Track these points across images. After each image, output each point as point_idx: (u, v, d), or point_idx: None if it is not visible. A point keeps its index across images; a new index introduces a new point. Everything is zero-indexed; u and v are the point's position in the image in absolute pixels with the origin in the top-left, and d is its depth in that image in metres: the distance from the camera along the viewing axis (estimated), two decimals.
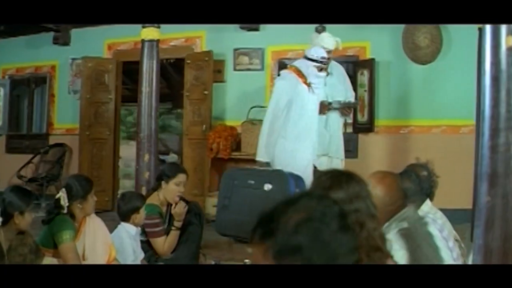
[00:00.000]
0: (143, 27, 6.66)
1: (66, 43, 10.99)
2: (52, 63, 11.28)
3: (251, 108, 9.73)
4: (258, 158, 6.92)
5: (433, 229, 3.51)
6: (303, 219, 1.73)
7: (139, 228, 5.39)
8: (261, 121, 9.66)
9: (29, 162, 10.96)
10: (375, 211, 2.68)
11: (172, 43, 10.28)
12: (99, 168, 10.08)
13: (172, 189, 5.72)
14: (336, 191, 2.65)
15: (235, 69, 10.21)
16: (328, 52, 7.22)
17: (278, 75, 7.97)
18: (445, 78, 9.04)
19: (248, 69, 10.16)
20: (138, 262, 5.24)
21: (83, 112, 10.23)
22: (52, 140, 11.17)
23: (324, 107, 7.20)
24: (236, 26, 9.97)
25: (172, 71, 14.69)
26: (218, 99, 10.09)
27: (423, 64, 9.02)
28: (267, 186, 6.50)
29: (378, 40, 9.43)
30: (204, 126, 9.69)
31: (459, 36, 9.13)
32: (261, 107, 9.88)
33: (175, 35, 10.06)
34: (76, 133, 10.66)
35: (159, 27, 6.68)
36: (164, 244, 5.58)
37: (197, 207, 6.00)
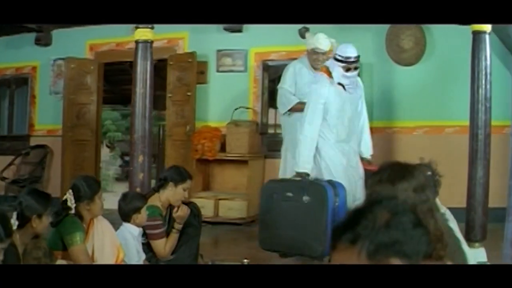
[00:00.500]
0: (137, 27, 6.61)
1: (47, 43, 10.92)
2: (33, 64, 11.20)
3: (235, 109, 9.75)
4: (301, 170, 6.58)
5: (451, 223, 3.59)
6: (391, 216, 1.84)
7: (141, 229, 5.36)
8: (245, 121, 9.73)
9: (11, 163, 10.88)
10: None
11: (154, 44, 10.19)
12: (82, 169, 10.02)
13: (179, 193, 5.71)
14: (408, 181, 2.75)
15: (218, 71, 10.20)
16: (323, 53, 7.25)
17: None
18: (429, 80, 9.10)
19: (231, 71, 10.15)
20: (141, 263, 5.21)
21: (66, 113, 10.18)
22: (33, 141, 11.10)
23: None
24: (219, 27, 9.97)
25: None
26: (200, 101, 10.07)
27: (407, 66, 9.08)
28: (306, 198, 6.43)
29: (361, 43, 9.42)
30: (187, 127, 9.68)
31: (443, 38, 9.23)
32: (245, 108, 9.91)
33: (157, 36, 9.87)
34: (57, 134, 10.59)
35: (152, 28, 6.63)
36: (164, 246, 5.55)
37: (196, 208, 5.98)
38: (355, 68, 6.62)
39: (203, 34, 9.92)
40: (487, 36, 6.45)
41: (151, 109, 6.39)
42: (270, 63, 10.17)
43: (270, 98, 10.59)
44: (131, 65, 13.45)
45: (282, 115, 7.62)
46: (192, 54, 9.79)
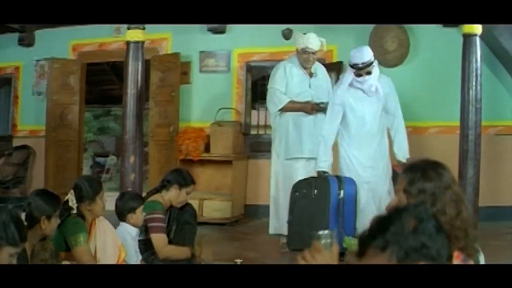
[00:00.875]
0: (128, 28, 6.65)
1: (30, 44, 10.88)
2: (16, 64, 11.14)
3: (219, 109, 9.79)
4: (318, 169, 6.77)
5: None
6: (417, 222, 1.96)
7: (138, 230, 5.39)
8: (229, 122, 9.78)
9: None
10: None
11: None
12: (65, 170, 10.02)
13: (183, 196, 5.85)
14: (438, 178, 2.80)
15: (201, 71, 10.23)
16: (313, 53, 7.25)
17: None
18: (413, 81, 9.19)
19: (214, 71, 10.18)
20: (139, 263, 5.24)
21: (49, 113, 10.14)
22: (15, 142, 11.03)
23: (313, 108, 7.19)
24: (202, 28, 10.01)
25: None
26: (183, 101, 10.10)
27: (391, 67, 9.16)
28: (314, 192, 6.59)
29: (345, 44, 9.52)
30: (171, 127, 9.70)
31: (426, 40, 9.38)
32: (229, 108, 9.96)
33: None
34: (40, 135, 10.54)
35: (144, 29, 6.67)
36: (165, 240, 5.59)
37: (192, 208, 6.10)
38: (368, 73, 6.62)
39: (186, 35, 9.95)
40: (477, 39, 6.57)
41: (142, 109, 6.43)
42: (253, 64, 10.22)
43: (253, 99, 10.67)
44: (111, 65, 13.66)
45: (272, 115, 7.55)
46: (176, 55, 9.81)
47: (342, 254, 4.39)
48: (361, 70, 6.59)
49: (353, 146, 6.78)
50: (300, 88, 7.32)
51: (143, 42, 6.71)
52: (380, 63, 9.24)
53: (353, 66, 6.62)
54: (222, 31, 10.07)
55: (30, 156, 10.56)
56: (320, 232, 2.73)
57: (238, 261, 5.74)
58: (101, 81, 15.18)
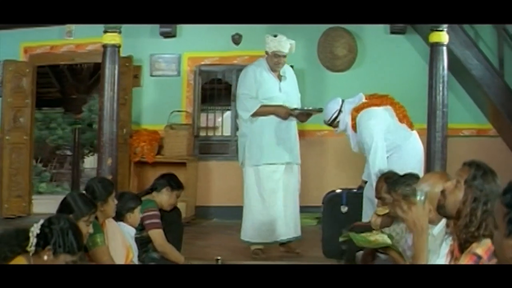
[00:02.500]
0: (105, 32, 6.71)
1: None
2: None
3: (172, 112, 9.93)
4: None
5: None
6: None
7: (135, 229, 5.51)
8: (182, 125, 9.93)
9: None
10: None
11: (88, 48, 10.28)
12: (18, 173, 9.96)
13: (173, 199, 6.18)
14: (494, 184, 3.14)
15: (151, 75, 10.34)
16: (284, 56, 7.18)
17: None
18: (360, 85, 9.48)
19: (165, 75, 10.30)
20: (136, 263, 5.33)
21: (3, 116, 10.07)
22: None
23: (287, 112, 7.14)
24: (153, 32, 10.11)
25: (69, 75, 14.61)
26: (135, 104, 10.20)
27: (339, 72, 9.50)
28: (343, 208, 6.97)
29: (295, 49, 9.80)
30: (124, 130, 9.76)
31: (372, 46, 9.76)
32: (181, 111, 10.12)
33: (91, 40, 10.05)
34: None
35: (120, 32, 6.75)
36: (163, 235, 5.74)
37: (179, 210, 6.45)
38: (335, 126, 6.86)
39: (136, 39, 9.98)
40: (444, 48, 6.88)
41: (118, 112, 6.51)
42: (203, 68, 10.37)
43: (203, 102, 10.83)
44: (52, 68, 13.57)
45: (243, 121, 7.35)
46: (129, 59, 9.87)
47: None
48: (330, 125, 6.87)
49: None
50: (271, 92, 7.20)
51: (119, 46, 6.77)
52: (328, 68, 9.66)
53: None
54: (173, 35, 10.21)
55: None
56: (418, 188, 3.19)
57: (219, 259, 5.94)
58: (39, 84, 14.94)
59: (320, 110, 7.15)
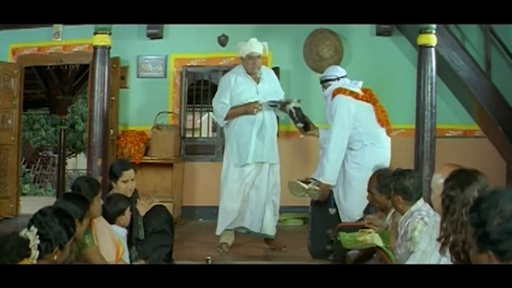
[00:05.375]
0: (95, 33, 6.75)
1: None
2: None
3: (158, 113, 9.96)
4: (328, 182, 6.94)
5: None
6: None
7: (126, 230, 5.54)
8: (169, 126, 9.98)
9: None
10: None
11: (75, 49, 10.32)
12: (5, 174, 9.96)
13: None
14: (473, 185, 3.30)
15: (138, 76, 10.36)
16: (258, 56, 7.38)
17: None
18: None
19: (151, 76, 10.34)
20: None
21: None
22: None
23: (254, 107, 7.30)
24: (140, 33, 10.14)
25: (55, 76, 14.57)
26: (121, 105, 10.22)
27: None
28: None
29: (279, 51, 9.91)
30: (111, 131, 9.78)
31: (358, 48, 9.85)
32: (168, 112, 10.17)
33: (78, 41, 10.10)
34: None
35: (110, 34, 6.79)
36: None
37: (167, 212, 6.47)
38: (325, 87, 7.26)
39: (123, 40, 9.98)
40: (433, 50, 6.99)
41: (108, 113, 6.53)
42: (189, 69, 10.43)
43: (189, 103, 10.89)
44: (39, 69, 13.54)
45: (223, 127, 7.72)
46: (116, 60, 9.87)
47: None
48: (321, 83, 7.27)
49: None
50: (246, 95, 7.37)
51: (109, 47, 6.81)
52: (314, 70, 9.74)
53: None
54: (160, 37, 10.25)
55: None
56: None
57: (209, 259, 6.00)
58: (25, 85, 14.85)
59: (287, 101, 7.45)
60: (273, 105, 7.39)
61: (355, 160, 6.86)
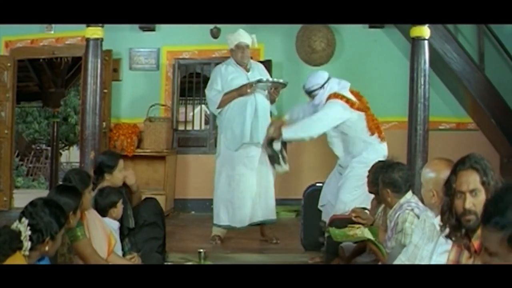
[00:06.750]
0: (88, 25, 6.73)
1: None
2: None
3: (151, 106, 9.97)
4: (285, 135, 6.77)
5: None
6: None
7: (118, 223, 5.53)
8: (162, 118, 9.98)
9: None
10: None
11: (68, 42, 10.30)
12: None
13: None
14: None
15: (130, 68, 10.36)
16: (246, 46, 7.46)
17: None
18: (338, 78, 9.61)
19: (144, 69, 10.34)
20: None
21: None
22: None
23: (248, 87, 7.29)
24: (132, 26, 10.11)
25: (48, 69, 14.53)
26: (114, 98, 10.21)
27: (317, 66, 9.56)
28: None
29: (272, 43, 9.92)
30: (104, 123, 9.76)
31: (351, 40, 9.86)
32: (161, 105, 10.16)
33: (71, 34, 10.07)
34: None
35: (103, 26, 6.78)
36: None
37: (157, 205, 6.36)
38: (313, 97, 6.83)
39: (116, 32, 9.96)
40: (426, 42, 6.98)
41: (101, 105, 6.52)
42: (181, 62, 10.43)
43: (182, 95, 10.89)
44: (32, 62, 13.51)
45: (216, 116, 7.74)
46: (108, 52, 9.85)
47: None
48: (308, 94, 6.91)
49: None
50: (237, 82, 7.42)
51: (102, 39, 6.80)
52: (307, 62, 9.75)
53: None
54: (152, 29, 10.23)
55: None
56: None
57: (202, 251, 6.00)
58: (18, 78, 14.80)
59: (283, 84, 7.54)
60: (263, 84, 7.38)
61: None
